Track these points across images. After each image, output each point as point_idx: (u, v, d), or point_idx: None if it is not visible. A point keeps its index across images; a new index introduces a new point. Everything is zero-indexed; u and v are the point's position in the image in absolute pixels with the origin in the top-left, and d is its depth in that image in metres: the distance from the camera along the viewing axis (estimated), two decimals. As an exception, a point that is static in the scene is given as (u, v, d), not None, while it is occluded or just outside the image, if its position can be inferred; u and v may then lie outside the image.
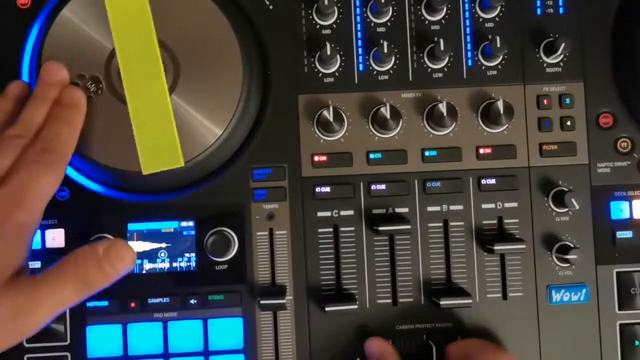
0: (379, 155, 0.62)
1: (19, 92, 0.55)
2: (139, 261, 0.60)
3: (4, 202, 0.47)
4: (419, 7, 0.63)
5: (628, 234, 0.62)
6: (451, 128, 0.62)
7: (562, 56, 0.63)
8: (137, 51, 0.56)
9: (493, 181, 0.62)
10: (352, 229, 0.62)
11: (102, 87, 0.57)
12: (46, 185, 0.49)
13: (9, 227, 0.47)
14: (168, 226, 0.60)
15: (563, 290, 0.62)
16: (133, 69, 0.56)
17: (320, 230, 0.61)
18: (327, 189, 0.62)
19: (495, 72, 0.63)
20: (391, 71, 0.63)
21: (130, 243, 0.58)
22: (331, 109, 0.60)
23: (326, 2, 0.60)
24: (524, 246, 0.60)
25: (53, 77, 0.54)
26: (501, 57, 0.63)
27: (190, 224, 0.61)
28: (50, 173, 0.50)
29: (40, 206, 0.49)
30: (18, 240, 0.48)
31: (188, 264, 0.60)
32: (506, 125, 0.62)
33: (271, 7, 0.63)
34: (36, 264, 0.60)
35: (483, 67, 0.63)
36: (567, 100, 0.63)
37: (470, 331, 0.61)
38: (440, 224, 0.62)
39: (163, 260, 0.60)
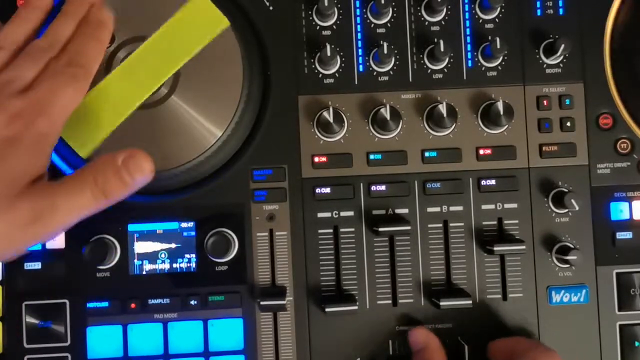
0: (379, 156, 0.62)
1: (40, 2, 0.55)
2: (139, 262, 0.60)
3: (28, 110, 0.48)
4: (419, 8, 0.63)
5: (628, 235, 0.62)
6: (451, 129, 0.62)
7: (562, 57, 0.63)
8: (157, 60, 0.56)
9: (493, 182, 0.62)
10: (352, 229, 0.62)
11: (111, 44, 0.57)
12: (69, 97, 0.50)
13: (31, 134, 0.47)
14: (168, 227, 0.61)
15: (563, 291, 0.62)
16: (138, 67, 0.56)
17: (320, 231, 0.61)
18: (327, 190, 0.62)
19: (495, 73, 0.63)
20: (391, 72, 0.63)
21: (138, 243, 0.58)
22: (331, 109, 0.60)
23: (326, 3, 0.60)
24: (523, 247, 0.60)
25: None
26: (501, 58, 0.63)
27: (191, 224, 0.61)
28: (74, 85, 0.50)
29: (62, 117, 0.50)
30: (39, 148, 0.48)
31: (188, 264, 0.61)
32: (506, 126, 0.63)
33: (271, 7, 0.63)
34: (36, 265, 0.60)
35: (483, 68, 0.63)
36: (567, 101, 0.63)
37: (470, 332, 0.61)
38: (440, 225, 0.62)
39: (163, 261, 0.60)
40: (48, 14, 0.55)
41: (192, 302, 0.60)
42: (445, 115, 0.60)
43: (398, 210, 0.62)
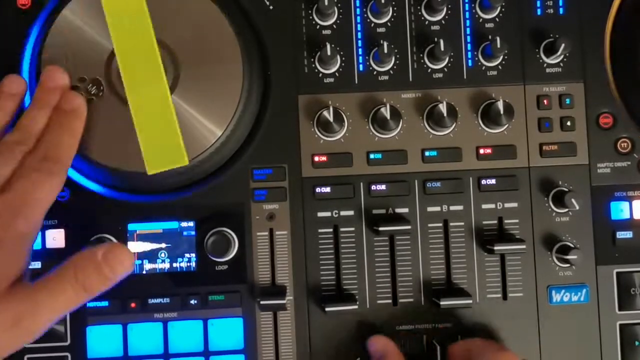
0: (379, 156, 0.62)
1: (16, 88, 0.55)
2: (139, 261, 0.60)
3: (5, 210, 0.48)
4: (419, 7, 0.63)
5: (628, 234, 0.62)
6: (451, 128, 0.62)
7: (562, 56, 0.63)
8: (137, 52, 0.56)
9: (493, 181, 0.62)
10: (352, 229, 0.62)
11: (102, 90, 0.57)
12: (47, 194, 0.49)
13: (9, 236, 0.47)
14: (168, 226, 0.60)
15: (563, 291, 0.62)
16: (133, 70, 0.56)
17: (320, 230, 0.61)
18: (327, 189, 0.62)
19: (495, 73, 0.63)
20: (391, 71, 0.63)
21: (130, 244, 0.58)
22: (331, 109, 0.60)
23: (326, 3, 0.60)
24: (524, 246, 0.60)
25: (54, 83, 0.54)
26: (501, 57, 0.63)
27: (191, 224, 0.61)
28: (51, 181, 0.50)
29: (40, 214, 0.49)
30: (18, 249, 0.48)
31: (188, 264, 0.60)
32: (506, 126, 0.63)
33: (271, 7, 0.63)
34: (36, 264, 0.60)
35: (483, 68, 0.63)
36: (567, 101, 0.63)
37: (470, 331, 0.61)
38: (441, 224, 0.62)
39: (163, 261, 0.60)
40: (22, 100, 0.55)
41: (192, 302, 0.60)
42: (445, 114, 0.60)
43: (398, 210, 0.62)
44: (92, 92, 0.56)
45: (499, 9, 0.63)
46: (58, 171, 0.51)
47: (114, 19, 0.56)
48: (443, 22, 0.63)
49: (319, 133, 0.62)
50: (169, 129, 0.55)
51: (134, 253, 0.60)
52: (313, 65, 0.63)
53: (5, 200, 0.48)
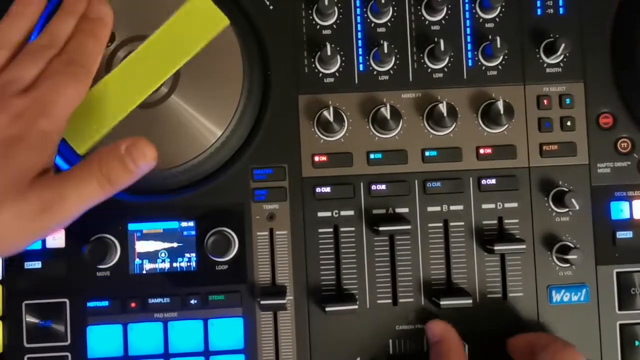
0: (379, 156, 0.62)
1: None
2: (139, 261, 0.60)
3: (30, 109, 0.49)
4: (419, 7, 0.63)
5: (628, 234, 0.62)
6: (451, 128, 0.62)
7: (562, 56, 0.63)
8: (157, 59, 0.56)
9: (493, 181, 0.62)
10: (353, 229, 0.62)
11: (112, 43, 0.58)
12: (71, 96, 0.50)
13: (34, 133, 0.48)
14: (168, 226, 0.61)
15: (563, 291, 0.62)
16: (137, 65, 0.56)
17: (320, 230, 0.61)
18: (328, 189, 0.62)
19: (495, 73, 0.63)
20: (391, 71, 0.63)
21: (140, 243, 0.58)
22: (331, 109, 0.60)
23: (326, 2, 0.60)
24: (524, 246, 0.60)
25: None
26: (501, 57, 0.63)
27: (191, 224, 0.61)
28: (75, 84, 0.51)
29: (64, 115, 0.50)
30: (43, 145, 0.49)
31: (188, 264, 0.61)
32: (506, 126, 0.63)
33: (271, 7, 0.63)
34: (36, 264, 0.60)
35: (483, 68, 0.63)
36: (567, 101, 0.63)
37: (471, 331, 0.61)
38: (441, 224, 0.62)
39: (163, 261, 0.60)
40: (43, 8, 0.55)
41: (192, 302, 0.60)
42: (445, 114, 0.60)
43: (398, 210, 0.62)
44: None
45: (499, 9, 0.63)
46: (82, 74, 0.52)
47: (178, 24, 0.56)
48: (443, 22, 0.63)
49: (319, 133, 0.62)
50: (104, 123, 0.55)
51: (136, 252, 0.60)
52: (313, 65, 0.63)
53: (30, 99, 0.49)
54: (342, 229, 0.61)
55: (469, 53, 0.63)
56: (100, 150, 0.49)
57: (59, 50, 0.52)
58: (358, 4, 0.63)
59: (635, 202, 0.63)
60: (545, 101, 0.63)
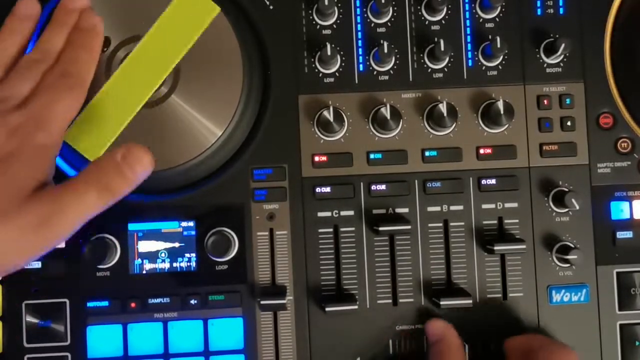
0: (379, 156, 0.62)
1: (29, 10, 0.56)
2: (139, 261, 0.60)
3: (26, 124, 0.49)
4: (419, 7, 0.63)
5: (628, 234, 0.62)
6: (451, 128, 0.62)
7: (562, 56, 0.63)
8: (155, 57, 0.56)
9: (493, 181, 0.62)
10: (353, 229, 0.62)
11: (107, 48, 0.57)
12: (66, 108, 0.50)
13: (31, 147, 0.48)
14: (168, 226, 0.60)
15: (563, 291, 0.62)
16: (137, 65, 0.56)
17: (320, 230, 0.61)
18: (328, 189, 0.62)
19: (495, 73, 0.63)
20: (391, 71, 0.63)
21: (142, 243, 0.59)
22: (331, 109, 0.60)
23: (326, 2, 0.60)
24: (524, 246, 0.60)
25: (73, 4, 0.55)
26: (501, 57, 0.63)
27: (191, 224, 0.61)
28: (70, 96, 0.51)
29: (61, 128, 0.50)
30: (40, 159, 0.49)
31: (188, 264, 0.60)
32: (506, 126, 0.63)
33: (271, 7, 0.63)
34: (36, 265, 0.60)
35: (483, 68, 0.63)
36: (568, 101, 0.63)
37: (470, 331, 0.61)
38: (441, 224, 0.62)
39: (163, 261, 0.60)
40: (37, 23, 0.56)
41: (192, 302, 0.60)
42: (445, 114, 0.60)
43: (398, 210, 0.62)
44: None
45: (499, 9, 0.63)
46: (77, 86, 0.52)
47: (170, 19, 0.57)
48: (443, 22, 0.63)
49: (319, 133, 0.62)
50: (113, 127, 0.55)
51: (136, 252, 0.60)
52: (313, 65, 0.63)
53: (26, 114, 0.49)
54: (342, 229, 0.61)
55: (469, 53, 0.63)
56: (96, 160, 0.49)
57: (52, 63, 0.52)
58: (358, 4, 0.63)
59: (635, 202, 0.63)
60: (545, 101, 0.63)
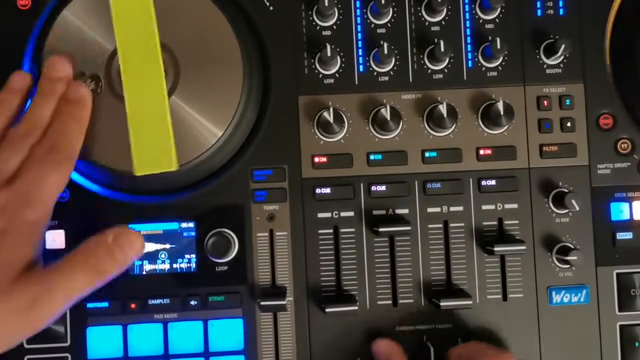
0: (379, 157, 0.62)
1: (22, 83, 0.56)
2: (139, 262, 0.60)
3: (14, 202, 0.48)
4: (419, 8, 0.63)
5: (628, 235, 0.62)
6: (451, 129, 0.62)
7: (562, 57, 0.63)
8: (139, 52, 0.56)
9: (493, 182, 0.62)
10: (353, 230, 0.62)
11: (101, 86, 0.57)
12: (55, 183, 0.50)
13: (19, 224, 0.48)
14: (168, 227, 0.60)
15: (563, 292, 0.62)
16: (133, 69, 0.56)
17: (320, 231, 0.61)
18: (328, 190, 0.62)
19: (495, 73, 0.63)
20: (391, 72, 0.63)
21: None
22: (331, 110, 0.60)
23: (326, 3, 0.60)
24: (524, 247, 0.60)
25: (58, 72, 0.55)
26: (501, 58, 0.63)
27: (191, 224, 0.61)
28: (58, 171, 0.50)
29: (49, 203, 0.50)
30: (29, 236, 0.49)
31: (188, 265, 0.60)
32: (506, 127, 0.63)
33: (271, 8, 0.63)
34: (36, 265, 0.60)
35: (483, 68, 0.63)
36: (567, 102, 0.63)
37: (470, 332, 0.61)
38: (441, 225, 0.62)
39: (163, 262, 0.60)
40: (29, 95, 0.55)
41: (192, 303, 0.60)
42: (445, 115, 0.60)
43: (398, 211, 0.62)
44: (91, 88, 0.56)
45: (499, 9, 0.63)
46: (66, 160, 0.51)
47: (120, 16, 0.56)
48: (443, 22, 0.63)
49: (319, 134, 0.62)
50: (162, 132, 0.55)
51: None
52: (313, 66, 0.63)
53: (14, 191, 0.49)
54: (342, 230, 0.61)
55: (469, 54, 0.63)
56: (87, 241, 0.49)
57: (39, 136, 0.52)
58: (358, 5, 0.63)
59: (635, 203, 0.63)
60: (545, 102, 0.63)
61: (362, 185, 0.62)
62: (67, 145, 0.52)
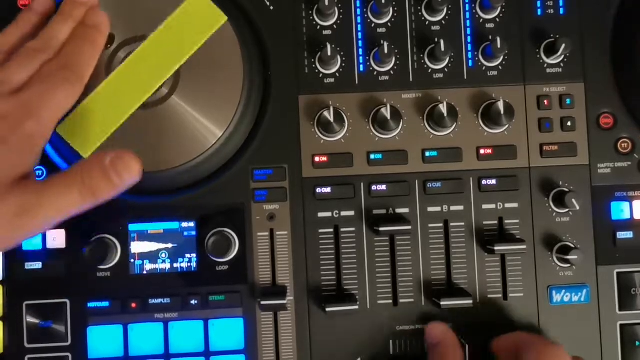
0: (379, 156, 0.62)
1: (45, 6, 0.56)
2: (140, 262, 0.60)
3: (15, 112, 0.48)
4: (419, 7, 0.63)
5: (629, 235, 0.62)
6: (452, 128, 0.62)
7: (562, 57, 0.63)
8: (158, 57, 0.56)
9: (494, 182, 0.62)
10: (353, 229, 0.62)
11: (111, 45, 0.57)
12: (60, 100, 0.50)
13: (18, 135, 0.48)
14: (169, 227, 0.61)
15: (564, 291, 0.62)
16: (139, 64, 0.56)
17: (321, 230, 0.61)
18: (328, 190, 0.62)
19: (495, 73, 0.63)
20: (392, 72, 0.63)
21: (133, 245, 0.58)
22: (332, 109, 0.60)
23: (327, 3, 0.60)
24: (524, 247, 0.60)
25: None
26: (502, 57, 0.63)
27: (191, 224, 0.61)
28: (65, 89, 0.50)
29: (52, 120, 0.50)
30: (26, 149, 0.49)
31: (189, 264, 0.61)
32: (507, 126, 0.63)
33: (272, 7, 0.63)
34: (37, 265, 0.60)
35: (484, 68, 0.63)
36: (568, 101, 0.63)
37: (471, 332, 0.61)
38: (441, 225, 0.62)
39: (164, 261, 0.60)
40: (47, 19, 0.55)
41: (193, 302, 0.60)
42: (445, 114, 0.60)
43: (399, 210, 0.62)
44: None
45: (499, 9, 0.63)
46: (75, 80, 0.51)
47: (178, 19, 0.57)
48: (443, 22, 0.63)
49: (319, 133, 0.62)
50: (108, 123, 0.55)
51: (137, 253, 0.60)
52: (313, 66, 0.63)
53: (17, 102, 0.49)
54: (342, 230, 0.61)
55: (470, 53, 0.63)
56: (85, 160, 0.49)
57: (53, 54, 0.52)
58: (358, 5, 0.63)
59: (635, 203, 0.63)
60: (545, 101, 0.63)
61: (362, 184, 0.62)
62: (78, 65, 0.52)
